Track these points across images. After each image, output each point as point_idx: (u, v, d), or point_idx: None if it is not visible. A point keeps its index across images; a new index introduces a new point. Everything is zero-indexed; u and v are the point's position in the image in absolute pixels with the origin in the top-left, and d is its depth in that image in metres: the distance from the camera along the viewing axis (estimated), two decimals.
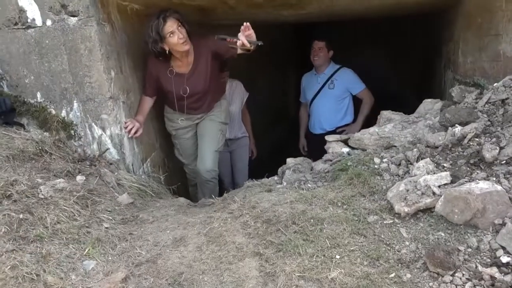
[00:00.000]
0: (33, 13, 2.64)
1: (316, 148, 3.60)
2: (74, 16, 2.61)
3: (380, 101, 4.58)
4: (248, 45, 2.54)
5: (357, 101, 4.38)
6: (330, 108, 4.25)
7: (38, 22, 2.66)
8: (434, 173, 1.98)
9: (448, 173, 1.93)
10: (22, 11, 2.65)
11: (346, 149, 2.62)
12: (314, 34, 4.42)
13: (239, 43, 2.56)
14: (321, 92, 4.29)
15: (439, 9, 4.20)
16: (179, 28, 2.80)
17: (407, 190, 1.93)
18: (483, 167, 1.94)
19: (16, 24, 2.69)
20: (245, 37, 2.53)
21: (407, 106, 3.68)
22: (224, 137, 3.45)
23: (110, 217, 2.23)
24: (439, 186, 1.88)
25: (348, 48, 7.81)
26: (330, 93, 4.23)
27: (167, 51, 2.90)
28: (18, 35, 2.71)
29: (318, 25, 5.50)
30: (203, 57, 3.04)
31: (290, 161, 2.80)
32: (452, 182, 1.90)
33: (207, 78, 3.07)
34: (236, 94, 4.06)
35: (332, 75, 4.25)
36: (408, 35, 6.93)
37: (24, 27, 2.69)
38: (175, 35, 2.79)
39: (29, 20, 2.66)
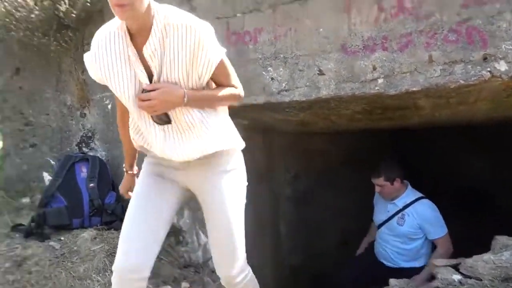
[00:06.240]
0: None
1: (370, 270, 3.36)
2: None
3: (486, 217, 4.19)
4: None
5: None
6: (395, 246, 3.32)
7: None
8: None
9: None
10: None
11: (457, 277, 2.43)
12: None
13: None
14: (389, 223, 3.35)
15: None
16: None
17: None
18: None
19: None
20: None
21: None
22: None
23: None
24: None
25: (447, 155, 7.48)
26: (398, 230, 3.25)
27: None
28: None
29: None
30: None
31: (393, 282, 2.66)
32: None
33: None
34: None
35: (404, 208, 3.27)
36: None
37: None
38: None
39: None
